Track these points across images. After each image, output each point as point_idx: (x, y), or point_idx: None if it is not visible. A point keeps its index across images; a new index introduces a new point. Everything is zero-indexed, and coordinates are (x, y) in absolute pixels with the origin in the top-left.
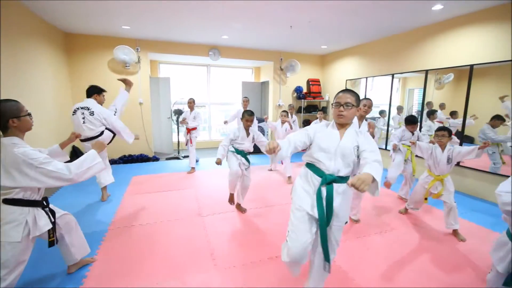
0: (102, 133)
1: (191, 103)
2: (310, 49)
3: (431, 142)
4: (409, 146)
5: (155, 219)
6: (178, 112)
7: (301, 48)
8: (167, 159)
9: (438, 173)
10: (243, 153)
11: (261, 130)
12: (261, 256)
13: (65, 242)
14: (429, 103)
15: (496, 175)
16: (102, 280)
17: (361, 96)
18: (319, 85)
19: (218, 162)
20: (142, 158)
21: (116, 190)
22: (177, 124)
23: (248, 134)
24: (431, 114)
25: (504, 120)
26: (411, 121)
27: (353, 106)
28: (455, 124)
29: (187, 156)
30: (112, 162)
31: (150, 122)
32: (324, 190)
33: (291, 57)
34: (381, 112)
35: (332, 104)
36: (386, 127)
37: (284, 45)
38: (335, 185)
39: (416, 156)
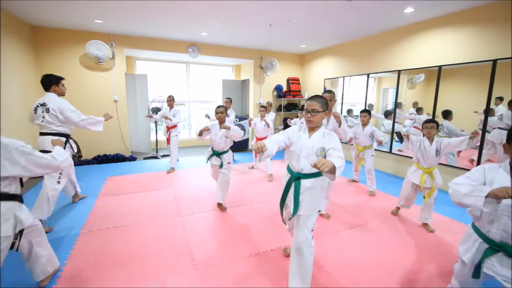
0: (60, 134)
1: (171, 101)
2: (289, 48)
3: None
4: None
5: (131, 221)
6: (156, 110)
7: (281, 47)
8: (145, 158)
9: (427, 166)
10: (217, 153)
11: (242, 127)
12: (241, 254)
13: (34, 252)
14: (399, 104)
15: (458, 168)
16: None
17: (339, 94)
18: (299, 83)
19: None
20: (118, 158)
21: (89, 192)
22: (155, 123)
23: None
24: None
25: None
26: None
27: (318, 112)
28: (420, 120)
29: (167, 155)
30: (86, 162)
31: (126, 120)
32: (293, 186)
33: (271, 55)
34: (349, 111)
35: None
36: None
37: (264, 44)
38: (302, 180)
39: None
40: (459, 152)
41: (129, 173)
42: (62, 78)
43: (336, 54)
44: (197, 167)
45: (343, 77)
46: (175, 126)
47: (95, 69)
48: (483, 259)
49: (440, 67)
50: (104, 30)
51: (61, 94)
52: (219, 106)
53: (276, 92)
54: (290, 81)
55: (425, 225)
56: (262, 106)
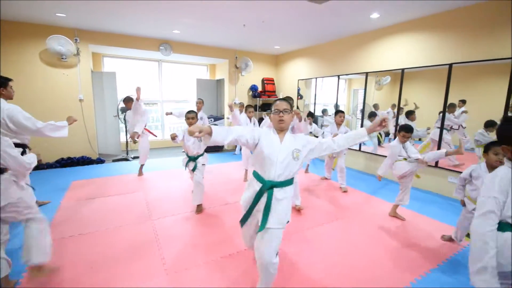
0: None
1: (129, 101)
2: (264, 49)
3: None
4: None
5: (98, 227)
6: (126, 110)
7: (255, 47)
8: (114, 161)
9: None
10: (193, 158)
11: None
12: (215, 255)
13: None
14: (375, 105)
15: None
16: None
17: (312, 95)
18: (274, 84)
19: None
20: (84, 161)
21: (51, 197)
22: (125, 123)
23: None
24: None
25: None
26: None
27: (290, 111)
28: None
29: (138, 157)
30: (48, 166)
31: (93, 120)
32: (265, 195)
33: (246, 55)
34: (324, 111)
35: (271, 112)
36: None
37: (239, 43)
38: (275, 190)
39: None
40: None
41: (96, 177)
42: (10, 80)
43: (309, 56)
44: (169, 169)
45: (316, 78)
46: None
47: (57, 66)
48: None
49: (403, 70)
50: (68, 24)
51: (9, 97)
52: (189, 112)
53: (251, 92)
54: (265, 82)
55: (395, 214)
56: (249, 106)
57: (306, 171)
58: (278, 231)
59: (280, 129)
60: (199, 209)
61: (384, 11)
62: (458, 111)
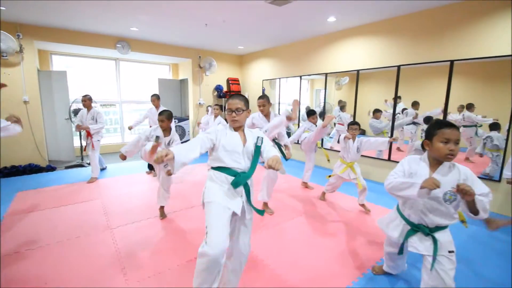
0: None
1: (87, 101)
2: (228, 49)
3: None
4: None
5: (49, 241)
6: (78, 112)
7: (219, 47)
8: (67, 167)
9: (349, 161)
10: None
11: (182, 129)
12: (179, 260)
13: None
14: (341, 101)
15: (380, 160)
16: None
17: (276, 95)
18: (239, 84)
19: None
20: (31, 169)
21: None
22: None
23: (166, 136)
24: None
25: (381, 112)
26: (311, 113)
27: (243, 110)
28: (345, 117)
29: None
30: None
31: (41, 124)
32: (241, 187)
33: (210, 55)
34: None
35: (225, 109)
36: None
37: (202, 43)
38: (248, 181)
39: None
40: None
41: (47, 186)
42: None
43: (272, 56)
44: (129, 174)
45: (279, 78)
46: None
47: None
48: (406, 238)
49: (358, 71)
50: (8, 18)
51: None
52: (161, 113)
53: (216, 93)
54: (230, 82)
55: (362, 205)
56: (216, 105)
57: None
58: (251, 221)
59: (235, 127)
60: (162, 212)
61: (340, 15)
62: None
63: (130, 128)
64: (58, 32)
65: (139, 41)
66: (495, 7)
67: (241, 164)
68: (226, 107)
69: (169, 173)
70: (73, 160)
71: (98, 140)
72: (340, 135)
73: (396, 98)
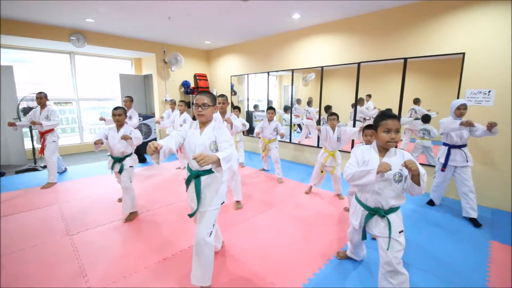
0: None
1: (42, 99)
2: (194, 43)
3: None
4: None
5: (1, 252)
6: (28, 111)
7: (185, 41)
8: (18, 172)
9: (331, 149)
10: (119, 159)
11: (147, 127)
12: (146, 262)
13: None
14: (299, 100)
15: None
16: None
17: (244, 91)
18: (207, 80)
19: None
20: None
21: None
22: (30, 127)
23: (117, 131)
24: (287, 109)
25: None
26: (270, 108)
27: (209, 106)
28: (312, 111)
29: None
30: None
31: None
32: (193, 183)
33: (176, 50)
34: (255, 107)
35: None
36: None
37: (166, 37)
38: (202, 177)
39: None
40: None
41: None
42: None
43: (240, 52)
44: (91, 176)
45: (247, 74)
46: (51, 130)
47: None
48: (366, 222)
49: (322, 67)
50: None
51: None
52: (116, 108)
53: (183, 89)
54: (197, 77)
55: (338, 195)
56: (181, 101)
57: (242, 165)
58: (210, 212)
59: (201, 122)
60: (132, 216)
61: (304, 13)
62: (366, 104)
63: (102, 119)
64: (4, 23)
65: (96, 33)
66: (444, 9)
67: (193, 162)
68: (194, 102)
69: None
70: (25, 164)
71: (54, 141)
72: (309, 129)
73: (357, 95)
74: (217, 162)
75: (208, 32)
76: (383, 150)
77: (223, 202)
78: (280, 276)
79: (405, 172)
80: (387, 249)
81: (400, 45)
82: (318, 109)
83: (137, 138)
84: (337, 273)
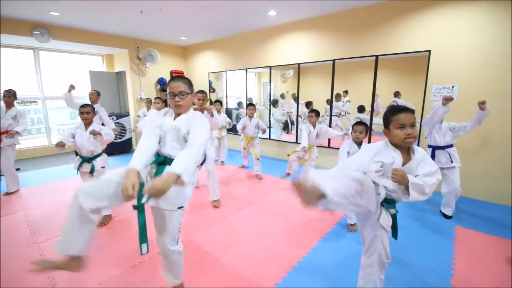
0: None
1: (11, 97)
2: (170, 39)
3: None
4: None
5: None
6: None
7: (159, 37)
8: None
9: (310, 144)
10: (87, 158)
11: (122, 127)
12: (122, 267)
13: None
14: (282, 94)
15: (325, 148)
16: None
17: (223, 88)
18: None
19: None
20: None
21: None
22: None
23: (85, 129)
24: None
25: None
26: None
27: (187, 94)
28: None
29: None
30: None
31: None
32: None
33: (150, 46)
34: (239, 104)
35: (167, 94)
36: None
37: (139, 32)
38: (167, 167)
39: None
40: None
41: None
42: None
43: (217, 49)
44: (60, 179)
45: (226, 71)
46: (7, 131)
47: None
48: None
49: (299, 64)
50: None
51: None
52: (84, 105)
53: (159, 86)
54: (173, 74)
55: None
56: (157, 98)
57: (222, 163)
58: (171, 214)
59: (178, 114)
60: (106, 220)
61: (279, 10)
62: (343, 99)
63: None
64: None
65: (61, 27)
66: (411, 8)
67: (164, 148)
68: (168, 91)
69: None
70: None
71: (14, 144)
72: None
73: (333, 91)
74: (175, 180)
75: (183, 28)
76: (399, 147)
77: (182, 207)
78: (259, 272)
79: (416, 171)
80: (396, 239)
81: (371, 43)
82: (296, 106)
83: (108, 134)
84: (314, 266)
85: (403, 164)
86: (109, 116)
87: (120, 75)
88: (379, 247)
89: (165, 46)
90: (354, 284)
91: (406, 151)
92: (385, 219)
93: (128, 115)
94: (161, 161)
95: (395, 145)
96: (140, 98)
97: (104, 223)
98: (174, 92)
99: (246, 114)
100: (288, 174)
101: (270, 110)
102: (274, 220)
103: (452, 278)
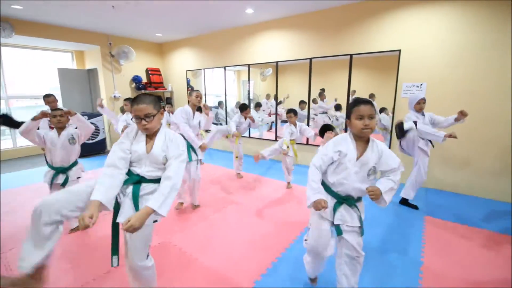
0: None
1: None
2: (145, 36)
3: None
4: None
5: None
6: None
7: (134, 33)
8: None
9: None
10: (61, 169)
11: (95, 127)
12: (95, 273)
13: None
14: (268, 95)
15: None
16: None
17: (201, 86)
18: (160, 75)
19: None
20: None
21: None
22: None
23: (59, 134)
24: (258, 105)
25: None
26: (243, 108)
27: (153, 115)
28: (273, 106)
29: None
30: None
31: None
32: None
33: (124, 42)
34: (219, 103)
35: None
36: (224, 116)
37: (112, 28)
38: (143, 185)
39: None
40: None
41: None
42: None
43: (195, 46)
44: (27, 184)
45: (204, 69)
46: None
47: None
48: (334, 212)
49: (277, 63)
50: None
51: None
52: (56, 109)
53: (134, 84)
54: (150, 72)
55: (288, 183)
56: (127, 99)
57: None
58: (144, 229)
59: (148, 135)
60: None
61: (257, 8)
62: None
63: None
64: None
65: (26, 22)
66: (383, 8)
67: (141, 168)
68: (133, 113)
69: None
70: None
71: None
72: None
73: (310, 89)
74: (151, 213)
75: (159, 24)
76: (358, 139)
77: (156, 221)
78: (239, 270)
79: (378, 166)
80: (361, 235)
81: (346, 42)
82: (275, 104)
83: (83, 120)
84: (294, 262)
85: (359, 157)
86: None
87: (92, 73)
88: (344, 244)
89: (140, 42)
90: (335, 276)
91: (364, 142)
92: (350, 215)
93: (101, 115)
94: (137, 180)
95: (355, 136)
96: (114, 96)
97: (74, 229)
98: (139, 116)
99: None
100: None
101: (251, 108)
102: (255, 218)
103: (422, 265)
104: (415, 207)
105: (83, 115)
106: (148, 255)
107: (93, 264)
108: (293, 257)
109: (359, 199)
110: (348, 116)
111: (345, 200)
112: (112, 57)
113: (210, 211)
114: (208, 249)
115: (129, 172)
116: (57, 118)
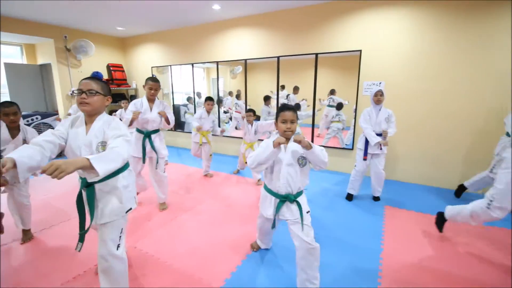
0: None
1: None
2: (104, 29)
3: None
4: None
5: None
6: None
7: (92, 26)
8: None
9: (249, 141)
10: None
11: (49, 127)
12: (63, 278)
13: None
14: (231, 92)
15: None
16: None
17: (168, 83)
18: (123, 71)
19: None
20: None
21: None
22: None
23: (14, 136)
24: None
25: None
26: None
27: (97, 93)
28: (241, 104)
29: None
30: None
31: None
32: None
33: (81, 36)
34: (188, 99)
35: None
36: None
37: (67, 20)
38: (96, 185)
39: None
40: None
41: None
42: None
43: (161, 42)
44: None
45: (171, 65)
46: None
47: None
48: (277, 211)
49: (245, 60)
50: None
51: None
52: (9, 104)
53: None
54: (111, 68)
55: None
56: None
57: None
58: (113, 224)
59: (87, 115)
60: (27, 236)
61: (223, 4)
62: (282, 95)
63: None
64: None
65: None
66: (346, 9)
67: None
68: (77, 88)
69: (4, 184)
70: None
71: None
72: (238, 121)
73: (278, 87)
74: (88, 166)
75: (119, 18)
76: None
77: (130, 209)
78: (208, 270)
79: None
80: (302, 231)
81: (312, 41)
82: (244, 102)
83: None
84: (263, 258)
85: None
86: (34, 115)
87: (45, 68)
88: (294, 238)
89: (100, 36)
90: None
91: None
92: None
93: (57, 113)
94: (87, 183)
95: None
96: (71, 94)
97: (25, 240)
98: (81, 89)
99: (203, 107)
100: (238, 171)
101: (218, 107)
102: (225, 216)
103: (382, 252)
104: (376, 198)
105: (36, 115)
106: (119, 247)
107: (60, 269)
108: (264, 254)
109: (298, 194)
110: (276, 119)
111: (286, 197)
112: (68, 51)
113: (178, 211)
114: (175, 251)
115: (80, 177)
116: (10, 117)
